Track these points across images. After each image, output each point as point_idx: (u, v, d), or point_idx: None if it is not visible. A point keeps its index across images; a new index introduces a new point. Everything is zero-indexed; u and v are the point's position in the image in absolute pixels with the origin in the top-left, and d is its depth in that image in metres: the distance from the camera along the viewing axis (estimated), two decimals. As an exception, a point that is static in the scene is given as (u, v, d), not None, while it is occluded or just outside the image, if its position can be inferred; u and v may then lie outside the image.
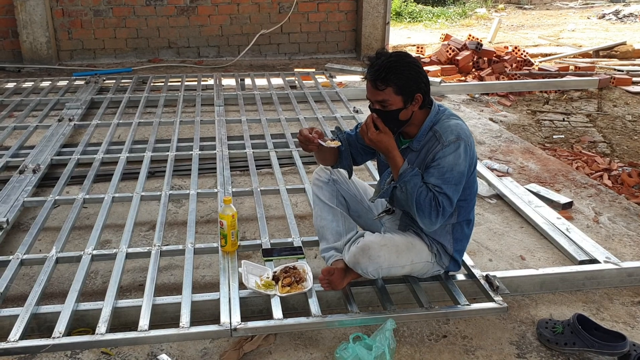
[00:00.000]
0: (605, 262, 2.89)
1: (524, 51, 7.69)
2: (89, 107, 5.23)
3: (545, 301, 2.71)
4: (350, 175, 2.67)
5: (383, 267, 2.33)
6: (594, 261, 2.93)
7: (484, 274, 2.62)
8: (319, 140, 2.44)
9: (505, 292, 2.53)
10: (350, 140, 2.59)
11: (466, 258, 2.73)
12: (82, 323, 2.41)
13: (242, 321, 2.28)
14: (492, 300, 2.46)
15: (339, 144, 2.49)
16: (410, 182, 2.24)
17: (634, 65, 8.04)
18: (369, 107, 2.36)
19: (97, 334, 2.19)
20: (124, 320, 2.42)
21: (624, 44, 8.71)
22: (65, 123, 4.63)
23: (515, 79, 6.91)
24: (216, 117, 4.77)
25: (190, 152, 4.01)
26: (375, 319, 2.36)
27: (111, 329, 2.37)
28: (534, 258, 3.07)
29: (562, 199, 3.67)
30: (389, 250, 2.32)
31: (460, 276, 2.68)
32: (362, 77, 2.40)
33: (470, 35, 7.85)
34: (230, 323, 2.25)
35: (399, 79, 2.20)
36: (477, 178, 2.54)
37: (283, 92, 5.60)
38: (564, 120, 5.69)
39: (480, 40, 7.70)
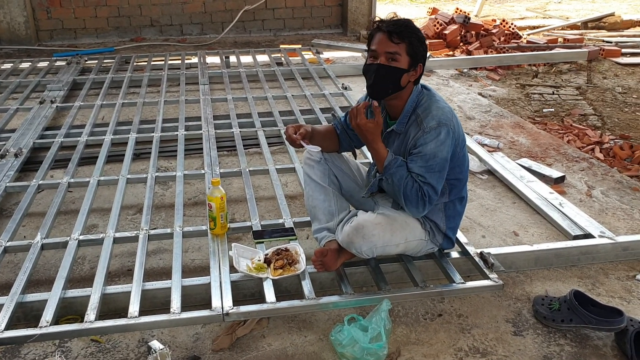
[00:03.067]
0: (600, 236, 2.86)
1: (511, 24, 7.62)
2: (71, 89, 5.11)
3: (540, 277, 2.68)
4: (355, 156, 2.67)
5: (377, 245, 2.29)
6: (588, 236, 2.91)
7: (478, 251, 2.59)
8: (302, 142, 2.41)
9: (500, 269, 2.50)
10: (346, 124, 2.57)
11: (460, 235, 2.69)
12: (70, 311, 2.35)
13: (234, 305, 2.22)
14: (487, 277, 2.43)
15: (320, 148, 2.46)
16: (396, 174, 2.22)
17: (623, 36, 8.00)
18: (366, 64, 2.27)
19: (85, 321, 2.13)
20: (113, 306, 2.37)
21: (612, 14, 8.66)
22: (47, 105, 4.51)
23: (504, 52, 6.84)
24: (201, 96, 4.67)
25: (176, 133, 3.92)
26: (370, 300, 2.32)
27: (100, 316, 2.31)
28: (527, 234, 3.04)
29: (554, 173, 3.64)
30: (383, 229, 2.28)
31: (454, 254, 2.65)
32: (362, 49, 2.34)
33: (457, 9, 7.75)
34: (222, 308, 2.20)
35: (413, 39, 2.19)
36: (468, 154, 2.49)
37: (269, 70, 5.50)
38: (553, 93, 5.65)
39: (468, 14, 7.60)
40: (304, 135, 2.42)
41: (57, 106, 4.52)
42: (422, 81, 2.35)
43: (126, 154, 3.58)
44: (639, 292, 2.59)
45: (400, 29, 2.18)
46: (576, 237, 2.92)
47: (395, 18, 2.27)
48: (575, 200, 3.40)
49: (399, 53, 2.19)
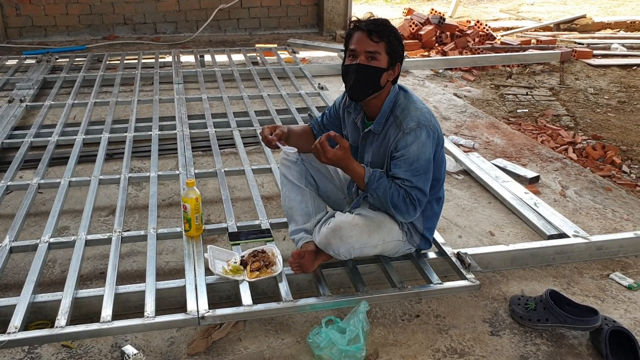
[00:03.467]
0: (574, 236, 2.89)
1: (486, 25, 7.68)
2: (42, 87, 4.99)
3: (516, 277, 2.70)
4: None
5: (355, 247, 2.27)
6: (562, 235, 2.94)
7: (455, 251, 2.59)
8: (278, 143, 2.37)
9: (477, 269, 2.51)
10: (323, 125, 2.56)
11: (437, 236, 2.69)
12: (40, 315, 2.28)
13: (209, 308, 2.18)
14: (465, 278, 2.43)
15: (296, 149, 2.42)
16: (379, 187, 2.20)
17: (594, 38, 8.13)
18: (344, 65, 2.25)
19: (56, 327, 2.07)
20: (85, 310, 2.31)
21: (584, 17, 8.80)
22: (16, 104, 4.40)
23: (478, 53, 6.89)
24: (175, 96, 4.61)
25: (150, 133, 3.86)
26: (348, 302, 2.30)
27: (72, 320, 2.25)
28: (503, 234, 3.06)
29: (529, 173, 3.67)
30: (360, 230, 2.26)
31: (432, 254, 2.65)
32: (339, 49, 2.30)
33: (433, 10, 7.79)
34: (198, 311, 2.16)
35: (392, 38, 2.18)
36: (444, 154, 2.50)
37: (245, 69, 5.45)
38: (527, 94, 5.71)
39: (443, 15, 7.65)
40: (280, 136, 2.39)
41: (26, 105, 4.41)
42: (398, 81, 2.35)
43: (98, 155, 3.50)
44: (613, 291, 2.61)
45: (380, 27, 2.17)
46: (551, 237, 2.95)
47: (373, 18, 2.25)
48: (549, 200, 3.43)
49: (379, 52, 2.17)
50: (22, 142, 3.68)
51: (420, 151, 2.18)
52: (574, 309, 2.35)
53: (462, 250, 2.59)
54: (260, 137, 3.76)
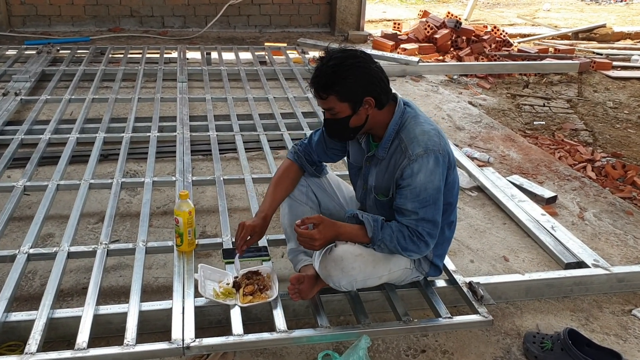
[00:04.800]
0: (594, 265, 2.69)
1: (503, 31, 7.46)
2: (39, 80, 4.81)
3: (531, 309, 2.49)
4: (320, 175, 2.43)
5: (358, 279, 2.07)
6: (581, 264, 2.73)
7: (467, 280, 2.39)
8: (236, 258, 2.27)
9: (490, 302, 2.30)
10: (306, 151, 2.35)
11: (447, 262, 2.48)
12: (12, 336, 2.10)
13: (196, 336, 1.99)
14: (476, 312, 2.23)
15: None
16: (385, 238, 2.01)
17: (613, 48, 7.88)
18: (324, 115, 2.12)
19: (26, 353, 1.88)
20: (62, 332, 2.13)
21: (603, 26, 8.54)
22: (11, 97, 4.22)
23: (495, 60, 6.67)
24: (178, 95, 4.42)
25: (148, 134, 3.67)
26: (348, 335, 2.10)
27: (48, 342, 2.08)
28: (517, 259, 2.86)
29: (546, 192, 3.46)
30: (364, 261, 2.05)
31: (441, 282, 2.45)
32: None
33: (449, 13, 7.57)
34: (183, 340, 1.97)
35: (340, 85, 1.95)
36: (457, 168, 2.29)
37: (252, 69, 5.25)
38: (544, 105, 5.48)
39: (459, 18, 7.42)
40: (250, 244, 2.23)
41: (21, 99, 4.23)
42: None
43: (92, 155, 3.32)
44: (636, 330, 2.41)
45: (322, 80, 1.96)
46: (569, 265, 2.75)
47: (326, 58, 1.99)
48: (567, 222, 3.22)
49: (332, 106, 1.99)
50: (13, 138, 3.50)
51: (427, 180, 1.97)
52: (595, 352, 2.15)
53: (475, 280, 2.39)
54: (263, 139, 3.62)
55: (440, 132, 2.07)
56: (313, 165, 2.36)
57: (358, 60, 1.96)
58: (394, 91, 2.13)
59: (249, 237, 2.21)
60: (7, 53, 5.54)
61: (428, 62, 6.44)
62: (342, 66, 1.94)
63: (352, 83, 1.95)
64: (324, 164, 2.43)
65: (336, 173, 2.68)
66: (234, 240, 2.54)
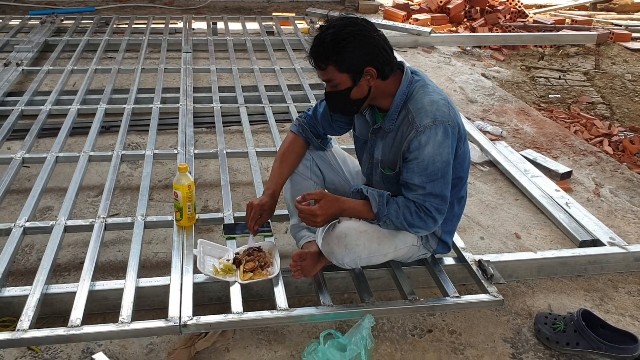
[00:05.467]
0: (610, 243, 2.58)
1: (518, 1, 7.22)
2: (42, 51, 4.71)
3: (543, 288, 2.40)
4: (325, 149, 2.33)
5: (362, 257, 1.98)
6: (596, 242, 2.63)
7: (477, 258, 2.29)
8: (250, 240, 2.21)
9: (501, 281, 2.21)
10: (311, 123, 2.24)
11: (456, 239, 2.39)
12: (6, 311, 2.04)
13: (194, 314, 1.92)
14: (486, 291, 2.14)
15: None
16: (391, 214, 1.92)
17: (633, 19, 7.63)
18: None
19: (18, 330, 1.82)
20: (57, 308, 2.07)
21: (623, -4, 8.25)
22: (13, 68, 4.13)
23: (509, 31, 6.46)
24: (182, 65, 4.30)
25: (150, 105, 3.57)
26: (351, 314, 2.03)
27: (42, 317, 2.03)
28: (530, 237, 2.75)
29: (561, 167, 3.34)
30: (369, 238, 1.96)
31: (449, 259, 2.35)
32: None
33: (462, -18, 7.32)
34: (180, 318, 1.90)
35: (339, 55, 1.83)
36: (469, 142, 2.18)
37: (259, 39, 5.12)
38: (560, 78, 5.31)
39: (473, -12, 7.18)
40: (262, 223, 2.15)
41: (23, 69, 4.14)
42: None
43: (92, 127, 3.23)
44: (653, 311, 2.31)
45: (320, 50, 1.84)
46: (583, 243, 2.64)
47: (322, 31, 1.87)
48: (582, 199, 3.10)
49: (332, 77, 1.88)
50: (13, 109, 3.41)
51: (436, 153, 1.86)
52: (610, 334, 2.06)
53: (484, 258, 2.29)
54: (268, 111, 3.51)
55: (449, 102, 1.95)
56: (319, 138, 2.26)
57: (358, 28, 1.84)
58: (400, 59, 2.00)
59: (259, 217, 2.12)
60: (10, 23, 5.44)
61: (440, 33, 6.26)
62: (341, 35, 1.82)
63: (352, 52, 1.83)
64: (330, 136, 2.32)
65: (342, 147, 2.58)
66: (235, 216, 2.48)
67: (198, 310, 1.98)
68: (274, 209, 2.17)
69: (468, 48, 5.93)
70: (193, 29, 5.43)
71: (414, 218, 1.90)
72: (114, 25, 5.35)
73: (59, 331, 1.82)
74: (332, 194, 1.99)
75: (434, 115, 1.86)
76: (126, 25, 5.44)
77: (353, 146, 2.29)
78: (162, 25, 5.46)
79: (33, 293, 1.97)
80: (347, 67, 1.85)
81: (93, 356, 1.88)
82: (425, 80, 1.98)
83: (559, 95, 4.86)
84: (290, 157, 2.23)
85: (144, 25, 5.44)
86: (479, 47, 6.03)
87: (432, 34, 5.81)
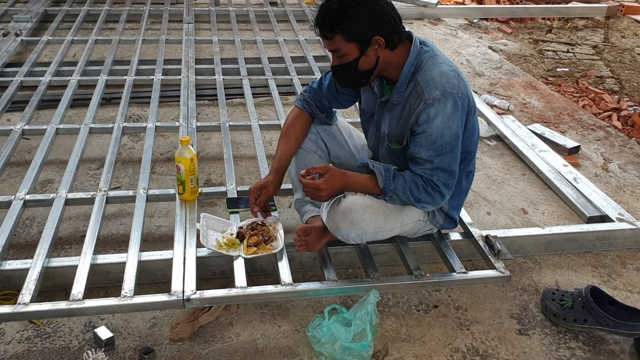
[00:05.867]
0: (619, 219, 2.55)
1: (526, -28, 7.07)
2: (41, 21, 4.63)
3: (550, 264, 2.37)
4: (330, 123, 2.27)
5: (368, 232, 1.95)
6: (604, 218, 2.59)
7: (484, 233, 2.26)
8: (260, 214, 2.15)
9: (508, 257, 2.17)
10: (316, 97, 2.18)
11: (463, 214, 2.35)
12: (7, 284, 2.03)
13: (197, 288, 1.90)
14: (493, 266, 2.11)
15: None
16: (397, 189, 1.87)
17: (643, -8, 7.47)
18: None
19: (19, 303, 1.79)
20: (58, 281, 2.05)
21: (633, -32, 8.07)
22: (11, 38, 4.06)
23: (517, 3, 6.35)
24: (184, 36, 4.23)
25: (152, 77, 3.51)
26: (356, 289, 2.00)
27: (43, 291, 2.01)
28: (537, 212, 2.72)
29: (569, 142, 3.28)
30: (374, 213, 1.92)
31: (456, 235, 2.32)
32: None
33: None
34: (183, 292, 1.87)
35: (346, 23, 1.76)
36: (477, 121, 2.12)
37: (262, 10, 5.02)
38: (568, 51, 5.22)
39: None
40: (263, 203, 2.11)
41: (22, 40, 4.07)
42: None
43: (93, 98, 3.18)
44: (661, 288, 2.29)
45: (327, 19, 1.77)
46: (591, 219, 2.61)
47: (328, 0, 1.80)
48: (590, 174, 3.06)
49: (339, 47, 1.81)
50: (12, 80, 3.36)
51: (444, 126, 1.81)
52: (618, 310, 2.03)
53: (492, 233, 2.26)
54: (271, 84, 3.45)
55: (459, 74, 1.89)
56: (324, 112, 2.20)
57: None
58: (408, 29, 1.94)
59: (261, 194, 2.10)
60: (8, -8, 5.34)
61: (447, 4, 6.15)
62: (347, 3, 1.76)
63: (359, 21, 1.76)
64: (335, 110, 2.27)
65: (347, 120, 2.53)
66: (238, 190, 2.44)
67: (201, 284, 1.95)
68: (280, 185, 2.14)
69: (475, 20, 5.83)
70: (195, -1, 5.33)
71: (421, 193, 1.86)
72: (114, -5, 5.25)
73: (61, 305, 1.79)
74: (337, 168, 1.95)
75: (443, 88, 1.81)
76: (127, -5, 5.32)
77: (358, 119, 2.25)
78: (164, -5, 5.35)
79: (34, 266, 1.94)
80: (354, 36, 1.79)
81: (95, 330, 1.86)
82: (435, 51, 1.92)
83: (567, 69, 4.78)
84: (295, 131, 2.18)
85: (145, -5, 5.33)
86: (486, 19, 5.92)
87: (438, 6, 5.69)
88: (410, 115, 1.86)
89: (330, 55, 1.95)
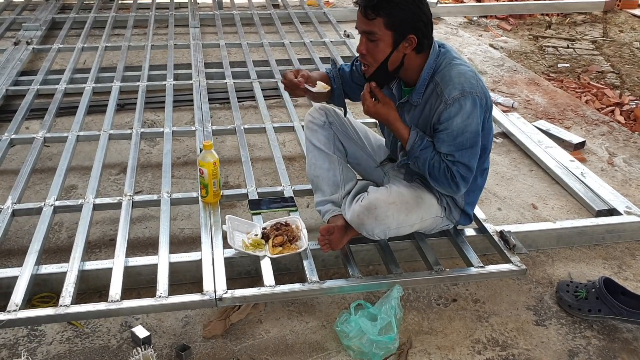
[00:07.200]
0: (627, 212, 2.63)
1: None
2: (50, 28, 4.69)
3: (562, 257, 2.46)
4: (345, 113, 2.33)
5: (391, 227, 2.03)
6: (613, 212, 2.68)
7: (498, 229, 2.34)
8: (306, 85, 2.09)
9: (522, 251, 2.26)
10: (344, 76, 2.24)
11: (476, 210, 2.44)
12: (44, 288, 2.10)
13: (228, 287, 1.98)
14: (509, 261, 2.19)
15: (328, 88, 2.16)
16: (420, 157, 1.95)
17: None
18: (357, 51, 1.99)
19: (60, 305, 1.87)
20: (93, 284, 2.13)
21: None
22: (23, 47, 4.12)
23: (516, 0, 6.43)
24: (191, 41, 4.30)
25: (164, 82, 3.58)
26: (379, 285, 2.08)
27: (79, 294, 2.08)
28: (546, 207, 2.80)
29: (574, 138, 3.37)
30: (397, 209, 2.01)
31: (471, 231, 2.40)
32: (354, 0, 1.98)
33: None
34: (215, 291, 1.95)
35: (393, 9, 1.81)
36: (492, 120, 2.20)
37: (265, 12, 5.09)
38: (568, 47, 5.31)
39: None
40: (306, 78, 2.11)
41: (33, 48, 4.13)
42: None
43: (109, 105, 3.25)
44: (669, 277, 2.38)
45: (375, 0, 1.81)
46: (600, 213, 2.69)
47: None
48: (596, 169, 3.15)
49: (376, 30, 1.84)
50: (29, 89, 3.43)
51: (465, 124, 1.89)
52: (630, 300, 2.12)
53: (505, 228, 2.34)
54: (281, 87, 3.51)
55: (477, 74, 1.97)
56: (341, 97, 2.27)
57: None
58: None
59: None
60: (14, 0, 5.39)
61: (446, 3, 6.23)
62: None
63: (404, 11, 1.81)
64: (349, 110, 2.34)
65: (360, 121, 2.60)
66: (259, 192, 2.51)
67: (228, 284, 2.02)
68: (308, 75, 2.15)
69: (474, 18, 5.91)
70: (198, 3, 5.39)
71: (440, 174, 1.94)
72: (119, 1, 5.31)
73: (101, 306, 1.87)
74: (394, 109, 1.99)
75: (462, 87, 1.89)
76: (131, 1, 5.39)
77: (370, 120, 2.31)
78: (167, 0, 5.42)
79: (71, 270, 2.02)
80: (396, 25, 1.83)
81: (132, 329, 1.93)
82: (452, 53, 1.99)
83: (568, 65, 4.87)
84: (323, 77, 2.23)
85: (149, 0, 5.40)
86: (486, 17, 6.00)
87: (438, 5, 5.78)
88: (431, 116, 1.94)
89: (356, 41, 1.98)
